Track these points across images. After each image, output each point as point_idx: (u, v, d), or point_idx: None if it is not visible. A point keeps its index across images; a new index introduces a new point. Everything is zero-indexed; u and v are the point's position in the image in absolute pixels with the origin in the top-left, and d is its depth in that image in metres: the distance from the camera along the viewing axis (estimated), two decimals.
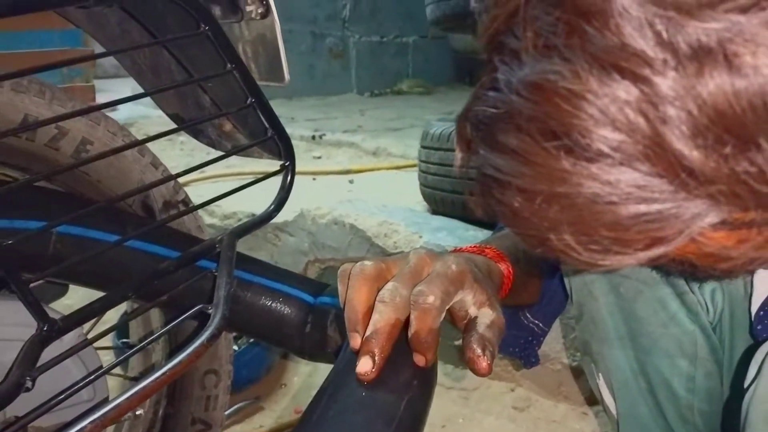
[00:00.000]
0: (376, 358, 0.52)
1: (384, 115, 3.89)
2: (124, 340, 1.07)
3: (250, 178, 0.78)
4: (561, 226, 0.39)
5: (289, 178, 0.83)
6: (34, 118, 0.70)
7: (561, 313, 0.85)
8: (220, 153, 0.79)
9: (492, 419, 1.42)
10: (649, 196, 0.36)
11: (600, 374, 0.81)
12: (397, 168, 2.71)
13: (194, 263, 0.75)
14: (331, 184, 2.49)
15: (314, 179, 2.61)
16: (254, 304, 0.80)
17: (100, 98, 2.47)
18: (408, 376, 0.54)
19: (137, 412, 0.95)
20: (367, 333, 0.53)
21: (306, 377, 1.61)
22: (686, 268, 0.46)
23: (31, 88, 0.71)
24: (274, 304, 0.80)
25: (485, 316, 0.57)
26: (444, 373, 1.53)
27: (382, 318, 0.53)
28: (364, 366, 0.52)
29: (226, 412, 1.00)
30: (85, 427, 0.55)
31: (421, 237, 1.61)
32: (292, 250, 1.80)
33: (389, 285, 0.55)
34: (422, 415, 0.54)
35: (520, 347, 0.84)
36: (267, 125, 0.80)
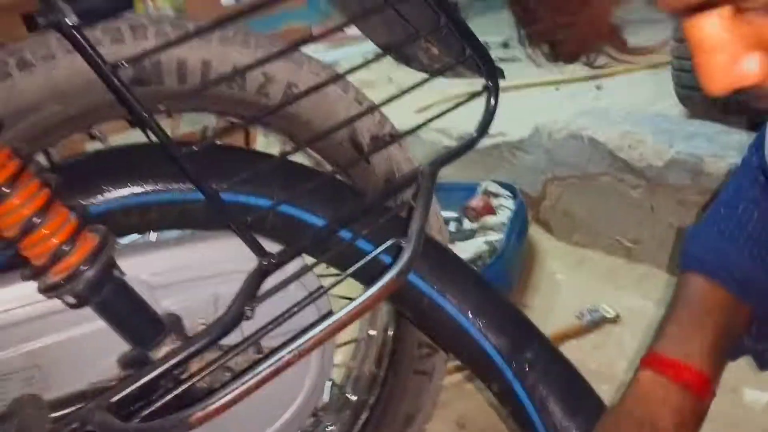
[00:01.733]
0: None
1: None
2: None
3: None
4: None
5: (492, 99, 0.78)
6: (241, 67, 0.74)
7: None
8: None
9: None
10: None
11: None
12: (652, 67, 2.42)
13: (396, 195, 0.75)
14: (577, 93, 2.32)
15: (557, 89, 2.46)
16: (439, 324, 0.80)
17: None
18: None
19: (371, 333, 1.01)
20: None
21: (548, 298, 1.56)
22: None
23: (237, 39, 0.75)
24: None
25: None
26: None
27: None
28: None
29: None
30: (315, 334, 0.59)
31: (671, 147, 1.43)
32: (529, 169, 1.73)
33: None
34: None
35: (746, 354, 0.76)
36: (465, 45, 0.75)
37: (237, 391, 0.55)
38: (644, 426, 0.64)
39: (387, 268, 0.62)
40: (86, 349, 0.68)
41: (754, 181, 0.70)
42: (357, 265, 0.65)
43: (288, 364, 0.57)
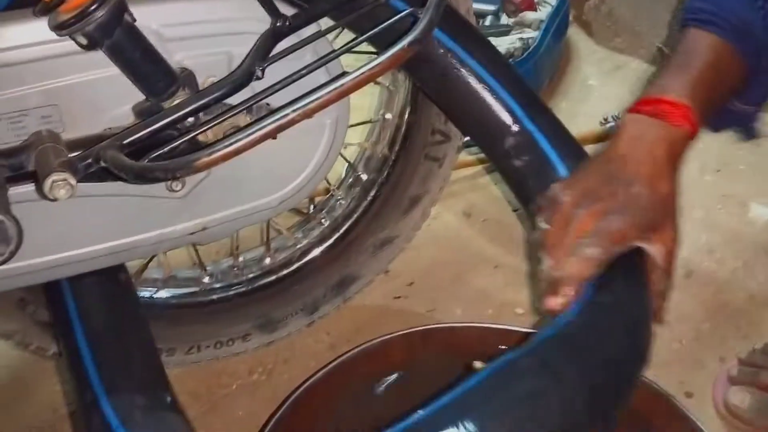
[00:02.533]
0: None
1: None
2: None
3: None
4: None
5: None
6: None
7: None
8: None
9: None
10: None
11: None
12: None
13: None
14: None
15: None
16: (464, 88, 0.77)
17: None
18: None
19: (386, 116, 1.02)
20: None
21: (576, 102, 1.54)
22: None
23: None
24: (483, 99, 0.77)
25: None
26: None
27: None
28: None
29: None
30: (322, 95, 0.60)
31: None
32: None
33: None
34: None
35: (734, 125, 0.77)
36: None
37: (242, 142, 0.57)
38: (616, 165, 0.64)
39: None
40: (103, 95, 0.69)
41: None
42: (373, 32, 0.63)
43: (293, 121, 0.58)
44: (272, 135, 0.57)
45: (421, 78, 0.83)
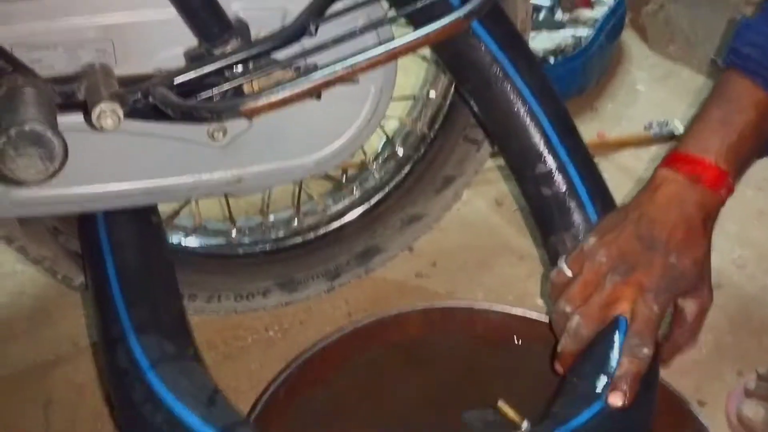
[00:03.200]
0: None
1: None
2: None
3: None
4: None
5: None
6: None
7: None
8: None
9: None
10: None
11: None
12: None
13: None
14: None
15: None
16: (505, 104, 0.78)
17: None
18: None
19: (430, 94, 1.02)
20: None
21: (622, 106, 1.52)
22: None
23: None
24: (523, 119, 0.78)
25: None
26: None
27: None
28: None
29: None
30: (370, 55, 0.61)
31: None
32: None
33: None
34: None
35: None
36: None
37: (288, 92, 0.58)
38: (651, 228, 0.64)
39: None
40: (157, 36, 0.70)
41: None
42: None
43: (340, 78, 0.58)
44: (319, 90, 0.58)
45: (463, 80, 0.84)
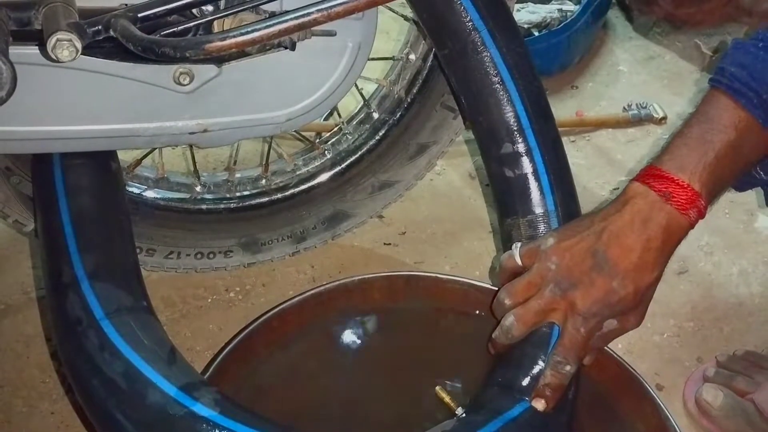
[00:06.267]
0: None
1: None
2: None
3: None
4: None
5: None
6: None
7: None
8: None
9: None
10: None
11: None
12: None
13: None
14: None
15: None
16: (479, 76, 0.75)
17: None
18: None
19: (410, 56, 0.99)
20: None
21: (602, 85, 1.50)
22: None
23: None
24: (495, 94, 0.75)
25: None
26: None
27: None
28: None
29: None
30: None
31: None
32: None
33: None
34: None
35: (757, 185, 0.76)
36: None
37: (258, 33, 0.54)
38: (607, 245, 0.63)
39: None
40: None
41: None
42: None
43: (315, 21, 0.55)
44: (291, 33, 0.55)
45: (440, 45, 0.80)
